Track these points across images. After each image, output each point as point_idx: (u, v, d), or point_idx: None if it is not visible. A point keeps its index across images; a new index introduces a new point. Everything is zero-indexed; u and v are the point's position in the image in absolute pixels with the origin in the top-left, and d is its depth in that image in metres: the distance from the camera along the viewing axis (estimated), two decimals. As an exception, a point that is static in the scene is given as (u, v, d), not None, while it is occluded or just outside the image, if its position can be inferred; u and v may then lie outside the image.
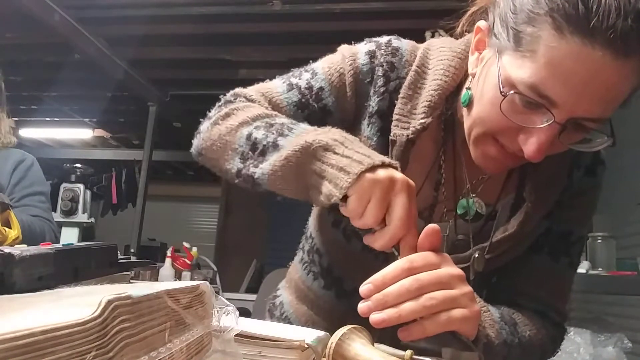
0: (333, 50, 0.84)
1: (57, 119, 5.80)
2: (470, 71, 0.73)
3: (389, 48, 0.79)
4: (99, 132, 6.22)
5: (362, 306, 0.58)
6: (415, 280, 0.57)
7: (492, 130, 0.67)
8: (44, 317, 0.23)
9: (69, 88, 4.62)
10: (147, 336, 0.29)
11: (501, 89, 0.62)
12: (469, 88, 0.72)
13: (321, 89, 0.79)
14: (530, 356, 0.76)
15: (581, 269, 2.09)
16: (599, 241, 2.22)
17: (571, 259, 0.83)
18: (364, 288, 0.59)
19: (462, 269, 0.69)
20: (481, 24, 0.70)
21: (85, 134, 6.19)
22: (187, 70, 4.28)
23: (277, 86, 0.82)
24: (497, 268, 0.81)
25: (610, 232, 2.25)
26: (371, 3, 3.06)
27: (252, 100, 0.79)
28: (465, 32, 0.81)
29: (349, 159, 0.60)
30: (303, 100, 0.79)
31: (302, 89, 0.80)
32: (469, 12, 0.80)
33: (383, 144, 0.77)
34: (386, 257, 0.64)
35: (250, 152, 0.70)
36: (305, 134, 0.66)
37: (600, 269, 2.15)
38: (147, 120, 4.52)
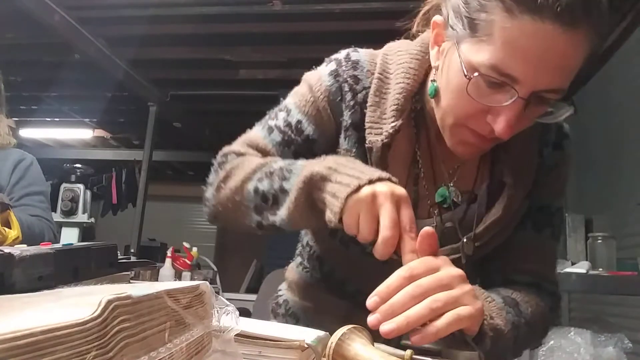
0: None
1: (57, 119, 5.80)
2: (433, 64, 0.76)
3: (349, 62, 0.82)
4: (99, 132, 6.22)
5: (371, 319, 0.59)
6: (417, 286, 0.59)
7: (462, 116, 0.71)
8: (44, 317, 0.23)
9: (69, 88, 4.62)
10: (147, 336, 0.29)
11: (465, 74, 0.66)
12: (433, 80, 0.76)
13: (299, 122, 0.83)
14: (535, 330, 0.79)
15: (581, 269, 2.09)
16: (599, 241, 2.22)
17: (553, 229, 0.87)
18: (370, 301, 0.60)
19: (457, 258, 0.73)
20: (437, 18, 0.74)
21: (85, 134, 6.19)
22: (187, 70, 4.28)
23: (258, 133, 0.86)
24: (487, 253, 0.84)
25: (610, 232, 2.25)
26: (371, 3, 3.06)
27: (241, 154, 0.83)
28: (418, 32, 0.86)
29: (339, 184, 0.65)
30: (286, 138, 0.83)
31: (282, 128, 0.84)
32: (422, 12, 0.85)
33: (362, 153, 0.80)
34: (386, 259, 0.65)
35: (263, 204, 0.75)
36: (306, 168, 0.70)
37: (600, 269, 2.15)
38: (147, 120, 4.52)
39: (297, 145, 0.83)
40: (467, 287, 0.61)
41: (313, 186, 0.68)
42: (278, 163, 0.76)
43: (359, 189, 0.63)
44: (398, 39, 0.88)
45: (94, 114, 5.50)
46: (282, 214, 0.72)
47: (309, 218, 0.71)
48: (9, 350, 0.20)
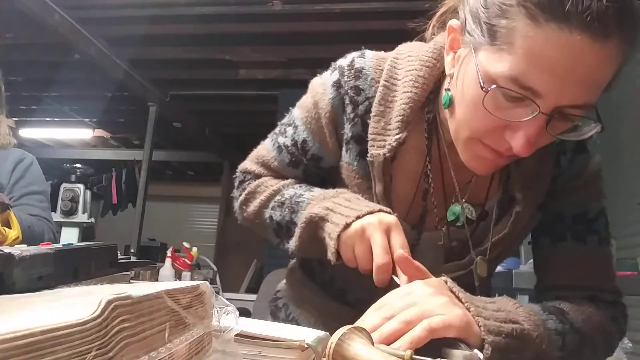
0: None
1: (57, 119, 5.81)
2: (447, 72, 0.71)
3: (352, 71, 0.79)
4: (99, 132, 6.22)
5: None
6: (388, 308, 0.60)
7: (477, 131, 0.66)
8: (44, 317, 0.23)
9: (69, 88, 4.63)
10: (147, 336, 0.29)
11: (482, 85, 0.60)
12: (448, 89, 0.71)
13: (304, 141, 0.85)
14: (593, 340, 0.74)
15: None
16: (599, 241, 2.22)
17: (598, 235, 0.80)
18: None
19: (463, 274, 0.71)
20: (453, 23, 0.69)
21: (85, 134, 6.19)
22: (187, 70, 4.29)
23: (269, 150, 0.90)
24: (494, 268, 0.82)
25: (610, 232, 2.25)
26: (371, 3, 3.06)
27: (258, 175, 0.91)
28: (433, 34, 0.80)
29: (334, 225, 0.71)
30: (293, 159, 0.87)
31: (290, 148, 0.87)
32: (438, 13, 0.79)
33: (364, 167, 0.78)
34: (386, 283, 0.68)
35: (279, 231, 0.84)
36: (309, 205, 0.77)
37: (600, 269, 2.15)
38: (147, 120, 4.52)
39: (305, 165, 0.87)
40: (440, 299, 0.60)
41: (314, 227, 0.75)
42: (289, 191, 0.83)
43: (347, 226, 0.69)
44: (410, 41, 0.83)
45: (94, 114, 5.51)
46: (292, 244, 0.80)
47: (315, 252, 0.77)
48: (9, 350, 0.20)
